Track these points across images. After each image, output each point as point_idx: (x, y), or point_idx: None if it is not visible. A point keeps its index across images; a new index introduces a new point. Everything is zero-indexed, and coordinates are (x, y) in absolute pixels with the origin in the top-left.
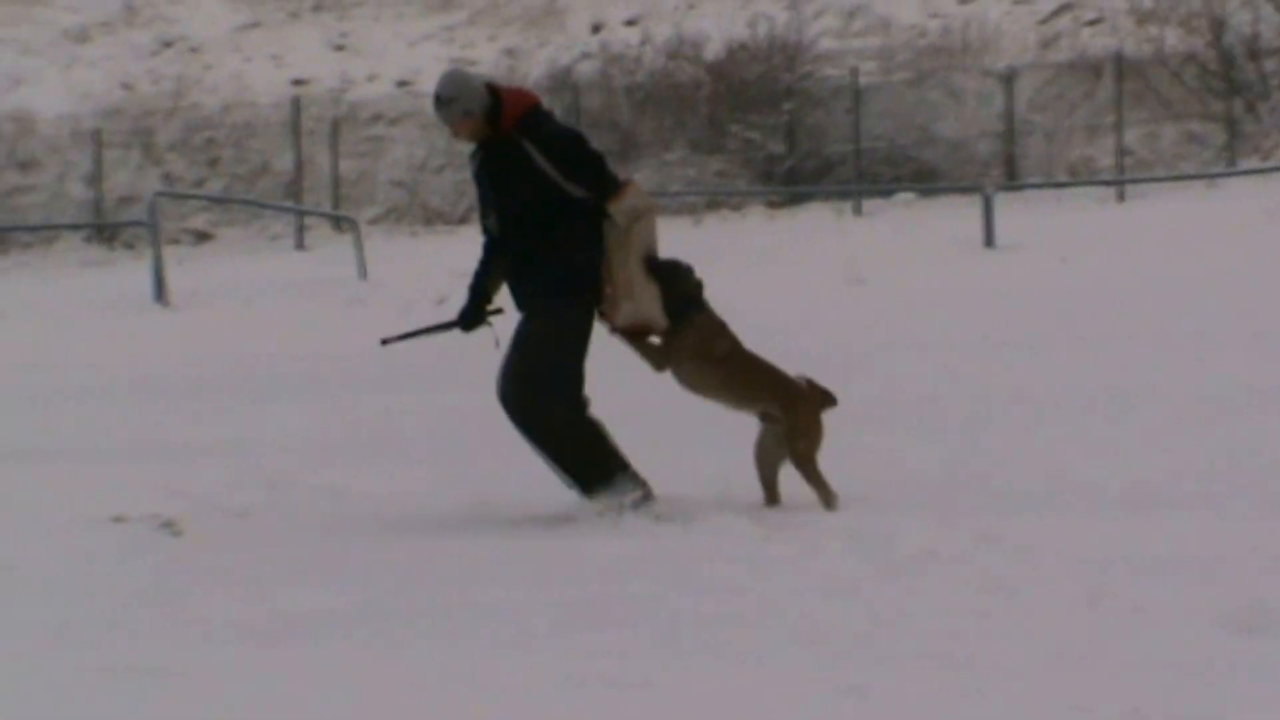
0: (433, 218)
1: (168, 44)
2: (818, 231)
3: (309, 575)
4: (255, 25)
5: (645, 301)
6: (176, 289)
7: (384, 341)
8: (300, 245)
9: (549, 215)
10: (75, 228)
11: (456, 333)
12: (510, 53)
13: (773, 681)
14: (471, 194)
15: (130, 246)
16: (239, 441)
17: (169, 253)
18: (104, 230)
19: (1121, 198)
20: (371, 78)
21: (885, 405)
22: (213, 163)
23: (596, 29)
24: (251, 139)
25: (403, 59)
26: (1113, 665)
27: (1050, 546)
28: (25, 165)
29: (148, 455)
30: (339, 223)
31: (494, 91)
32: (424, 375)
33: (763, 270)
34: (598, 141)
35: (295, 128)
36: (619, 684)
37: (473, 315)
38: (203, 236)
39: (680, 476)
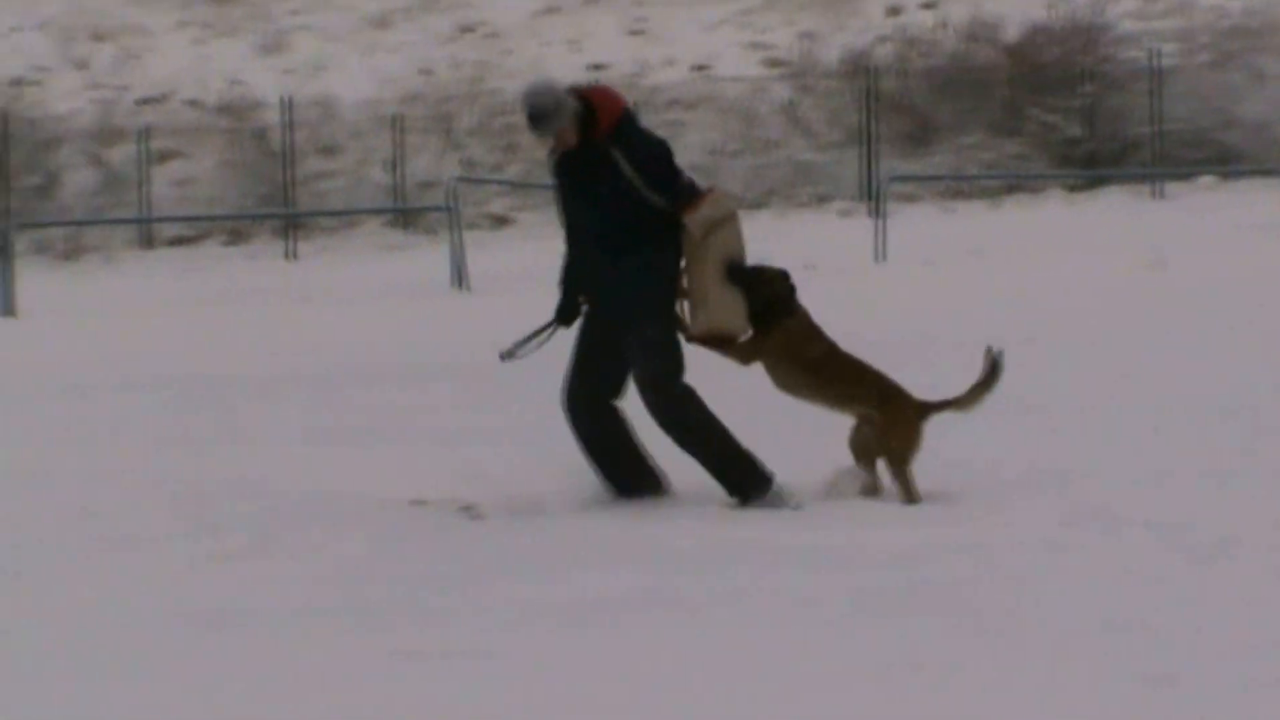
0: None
1: (467, 29)
2: (1117, 215)
3: (608, 559)
4: (554, 10)
5: (721, 310)
6: (475, 273)
7: (503, 356)
8: None
9: (631, 219)
10: (376, 212)
11: (560, 330)
12: (806, 36)
13: (1076, 669)
14: (769, 178)
15: (430, 231)
16: (536, 425)
17: (468, 237)
18: (404, 215)
19: None
20: (668, 62)
21: (1186, 391)
22: (511, 148)
23: (893, 12)
24: None
25: (699, 43)
26: None
27: None
28: (327, 150)
29: (446, 439)
30: None
31: (583, 97)
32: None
33: (1061, 254)
34: (895, 125)
35: None
36: (920, 670)
37: (569, 309)
38: (501, 221)
39: (967, 467)
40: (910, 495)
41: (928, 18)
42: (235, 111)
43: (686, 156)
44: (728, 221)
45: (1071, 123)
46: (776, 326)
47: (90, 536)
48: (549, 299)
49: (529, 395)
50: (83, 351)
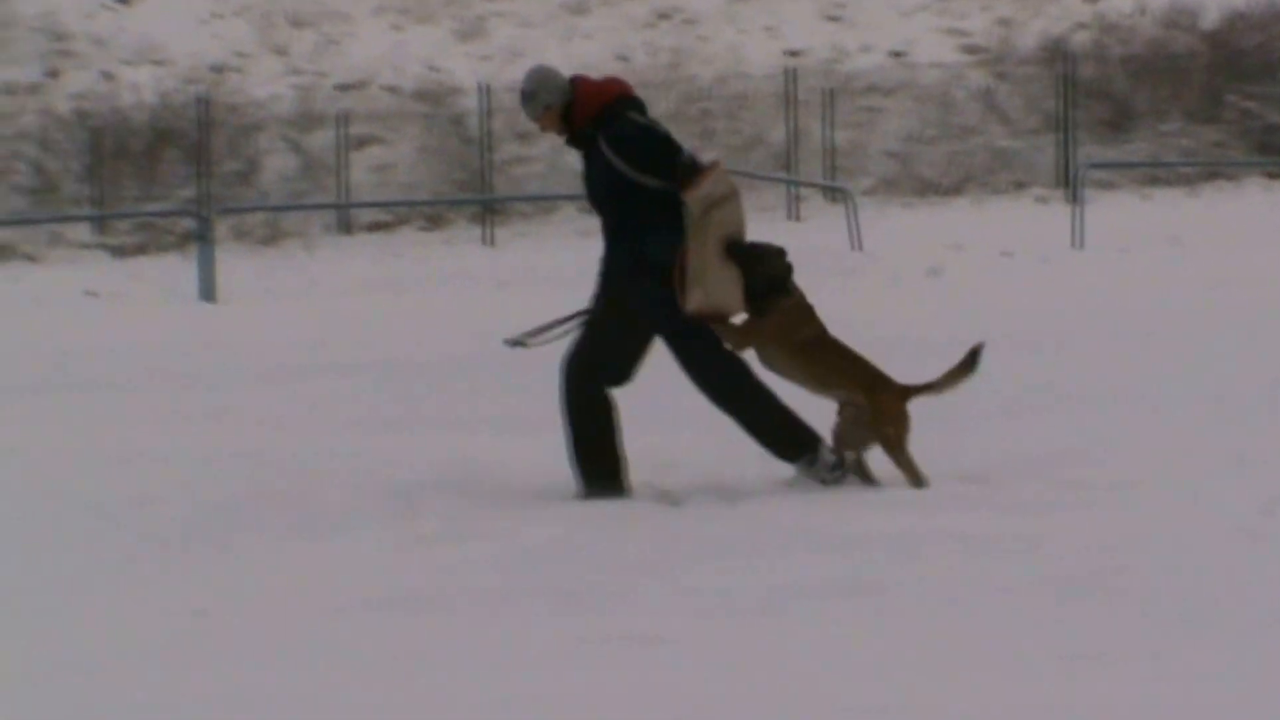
0: (926, 189)
1: (664, 16)
2: None
3: (805, 546)
4: None
5: (718, 287)
6: None
7: (510, 343)
8: (793, 216)
9: (624, 205)
10: (572, 198)
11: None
12: (1003, 23)
13: (1276, 660)
14: (966, 165)
15: None
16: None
17: None
18: None
19: None
20: (865, 48)
21: None
22: (707, 134)
23: None
24: (745, 110)
25: (896, 29)
26: None
27: None
28: (524, 136)
29: (644, 424)
30: (832, 193)
31: (576, 87)
32: (922, 345)
33: (1259, 242)
34: (1092, 111)
35: (789, 99)
36: (1117, 658)
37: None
38: None
39: (1157, 453)
40: (916, 478)
41: (1126, 4)
42: (433, 97)
43: (883, 143)
44: (729, 199)
45: (1271, 110)
46: (772, 309)
47: (289, 520)
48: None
49: None
50: (281, 336)
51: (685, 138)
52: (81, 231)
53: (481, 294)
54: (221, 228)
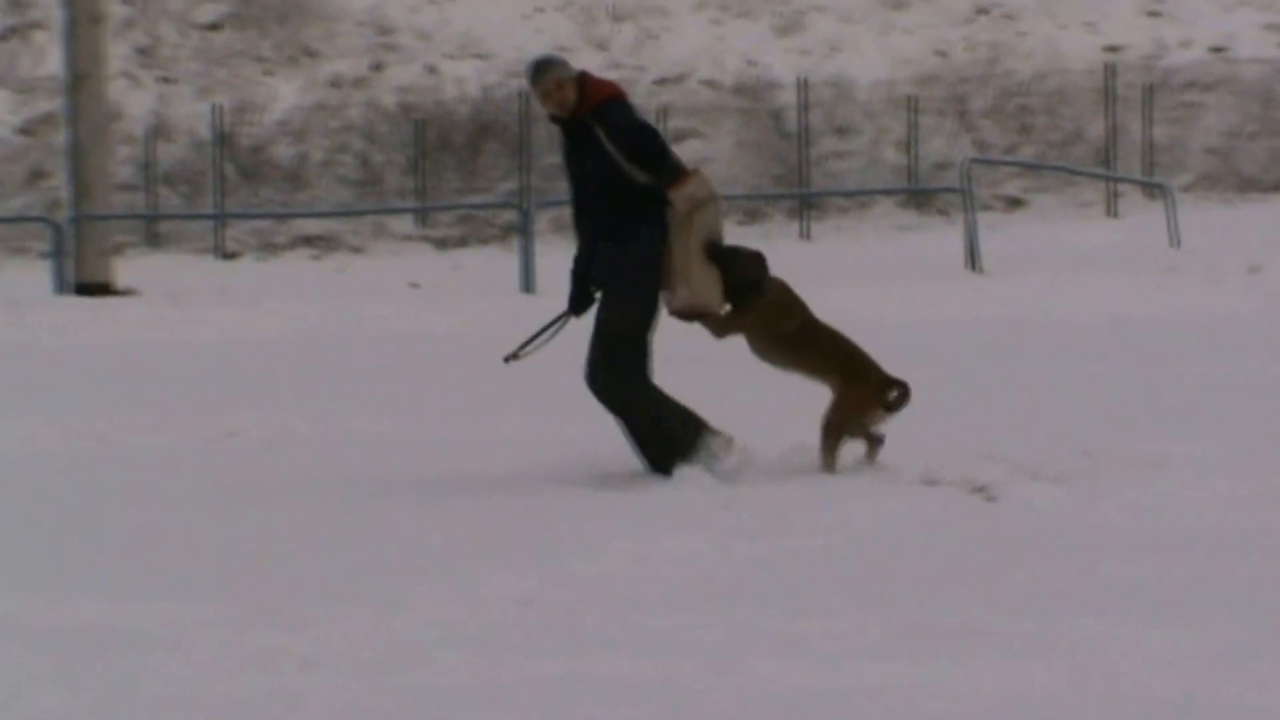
0: (1246, 185)
1: (983, 11)
2: None
3: (1120, 544)
4: None
5: (701, 287)
6: (988, 254)
7: (508, 359)
8: (1112, 212)
9: (616, 197)
10: (889, 193)
11: (573, 320)
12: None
13: None
14: None
15: (943, 212)
16: (1055, 404)
17: (981, 219)
18: (917, 196)
19: None
20: (1185, 44)
21: None
22: (1025, 129)
23: None
24: (1064, 106)
25: (1217, 25)
26: None
27: None
28: (842, 131)
29: (961, 418)
30: (1151, 190)
31: (581, 76)
32: (1245, 342)
33: None
34: None
35: (1108, 94)
36: None
37: (580, 300)
38: (1014, 203)
39: None
40: (827, 464)
41: None
42: (751, 92)
43: (1202, 138)
44: (709, 202)
45: None
46: (750, 305)
47: (614, 510)
48: (1061, 280)
49: (1048, 373)
50: None
51: (1002, 134)
52: (405, 223)
53: (799, 289)
54: (542, 221)
